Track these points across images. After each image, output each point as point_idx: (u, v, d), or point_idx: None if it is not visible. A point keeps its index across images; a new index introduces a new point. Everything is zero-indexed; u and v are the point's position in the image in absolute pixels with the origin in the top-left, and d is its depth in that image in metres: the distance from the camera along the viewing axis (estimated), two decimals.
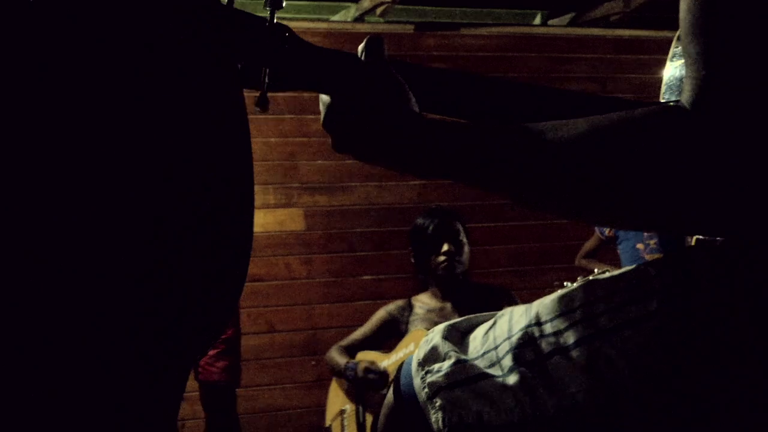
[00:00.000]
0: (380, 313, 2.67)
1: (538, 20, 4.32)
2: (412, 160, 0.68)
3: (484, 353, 0.74)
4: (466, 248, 2.53)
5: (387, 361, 2.54)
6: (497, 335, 0.74)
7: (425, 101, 0.71)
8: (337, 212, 3.83)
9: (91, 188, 0.50)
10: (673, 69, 0.79)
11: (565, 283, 1.98)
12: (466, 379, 0.72)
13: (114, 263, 0.51)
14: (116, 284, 0.51)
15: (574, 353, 0.67)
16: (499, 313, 0.78)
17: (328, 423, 2.78)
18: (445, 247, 2.46)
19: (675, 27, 0.81)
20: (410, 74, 0.70)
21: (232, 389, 2.73)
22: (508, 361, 0.71)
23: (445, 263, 2.47)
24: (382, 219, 3.89)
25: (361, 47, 0.69)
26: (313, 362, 3.81)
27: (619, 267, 3.47)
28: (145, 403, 0.51)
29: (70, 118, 0.50)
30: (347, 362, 2.60)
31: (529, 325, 0.72)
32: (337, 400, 2.78)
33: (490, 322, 0.77)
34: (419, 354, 0.77)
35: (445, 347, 0.75)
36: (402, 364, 0.80)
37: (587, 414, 0.66)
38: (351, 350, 2.70)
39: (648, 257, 3.31)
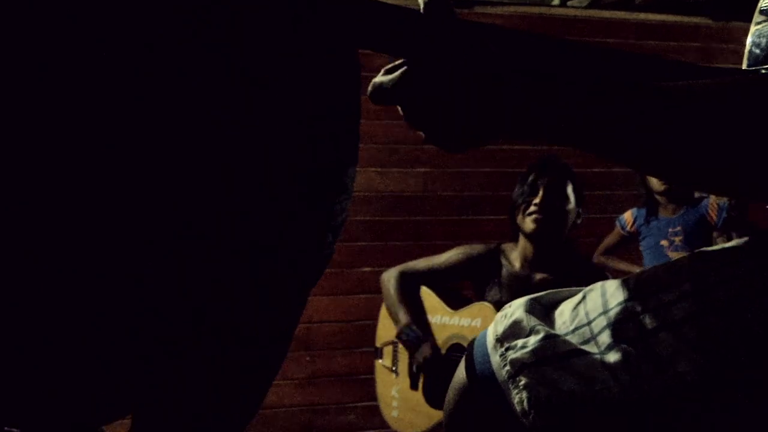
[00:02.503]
0: (461, 251, 2.39)
1: (556, 0, 4.32)
2: (512, 130, 0.63)
3: (576, 329, 0.70)
4: (570, 208, 2.24)
5: (449, 319, 2.35)
6: (589, 309, 0.71)
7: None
8: None
9: (107, 185, 0.54)
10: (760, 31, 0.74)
11: None
12: (556, 355, 0.68)
13: (115, 265, 0.54)
14: (118, 285, 0.54)
15: (685, 329, 0.64)
16: (588, 287, 0.75)
17: (378, 344, 2.63)
18: (539, 198, 2.20)
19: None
20: (480, 35, 0.65)
21: None
22: (605, 338, 0.68)
23: (535, 215, 2.19)
24: (384, 208, 3.91)
25: (423, 2, 0.64)
26: (308, 358, 3.84)
27: (641, 265, 3.50)
28: (150, 404, 0.54)
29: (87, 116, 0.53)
30: (408, 324, 2.36)
31: (628, 299, 0.69)
32: (391, 326, 2.55)
33: (578, 297, 0.74)
34: (497, 329, 0.74)
35: (530, 321, 0.72)
36: (473, 340, 0.77)
37: (695, 394, 0.63)
38: (412, 281, 2.42)
39: (672, 255, 3.32)
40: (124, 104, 0.55)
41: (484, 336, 0.75)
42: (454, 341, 2.41)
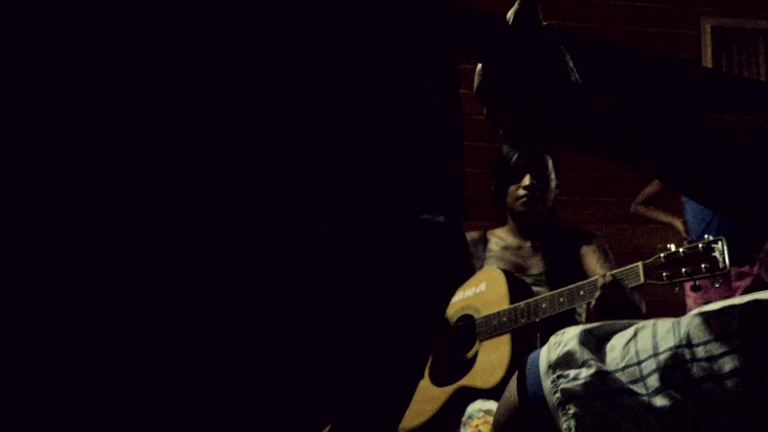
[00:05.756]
0: None
1: None
2: (573, 135, 0.69)
3: (626, 367, 0.76)
4: (553, 185, 2.49)
5: (453, 298, 2.48)
6: (640, 349, 0.77)
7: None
8: None
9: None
10: None
11: (669, 246, 2.04)
12: (606, 391, 0.75)
13: (117, 267, 0.57)
14: (121, 288, 0.57)
15: (729, 383, 0.70)
16: (639, 323, 0.81)
17: None
18: (527, 181, 2.43)
19: None
20: (567, 45, 0.70)
21: None
22: (654, 381, 0.74)
23: (525, 198, 2.44)
24: None
25: (512, 11, 0.69)
26: None
27: (681, 216, 3.50)
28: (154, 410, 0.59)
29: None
30: None
31: (678, 346, 0.75)
32: None
33: (630, 333, 0.80)
34: (550, 356, 0.80)
35: (583, 354, 0.78)
36: (525, 361, 0.84)
37: None
38: None
39: None
40: (125, 104, 0.58)
41: (537, 359, 0.82)
42: (462, 313, 2.50)
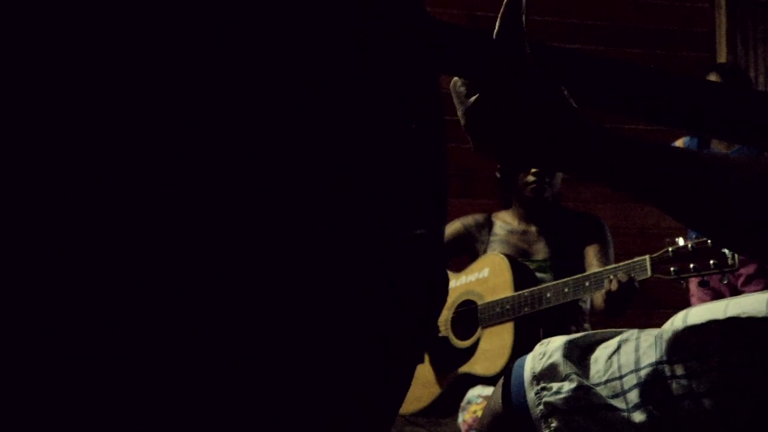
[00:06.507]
0: (455, 226, 2.65)
1: None
2: (569, 165, 0.72)
3: (608, 381, 0.78)
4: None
5: (455, 282, 2.55)
6: (622, 364, 0.79)
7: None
8: None
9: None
10: None
11: (677, 240, 2.05)
12: (587, 406, 0.77)
13: (118, 269, 0.57)
14: (122, 289, 0.58)
15: (706, 402, 0.72)
16: (623, 335, 0.83)
17: None
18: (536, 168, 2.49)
19: None
20: (549, 57, 0.72)
21: None
22: (634, 396, 0.76)
23: (534, 185, 2.49)
24: None
25: (496, 28, 0.70)
26: None
27: None
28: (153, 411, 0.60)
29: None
30: None
31: (659, 362, 0.76)
32: None
33: (614, 345, 0.81)
34: (534, 366, 0.82)
35: (566, 368, 0.80)
36: (511, 369, 0.85)
37: None
38: None
39: None
40: (125, 104, 0.59)
41: (522, 368, 0.84)
42: (463, 298, 2.52)
